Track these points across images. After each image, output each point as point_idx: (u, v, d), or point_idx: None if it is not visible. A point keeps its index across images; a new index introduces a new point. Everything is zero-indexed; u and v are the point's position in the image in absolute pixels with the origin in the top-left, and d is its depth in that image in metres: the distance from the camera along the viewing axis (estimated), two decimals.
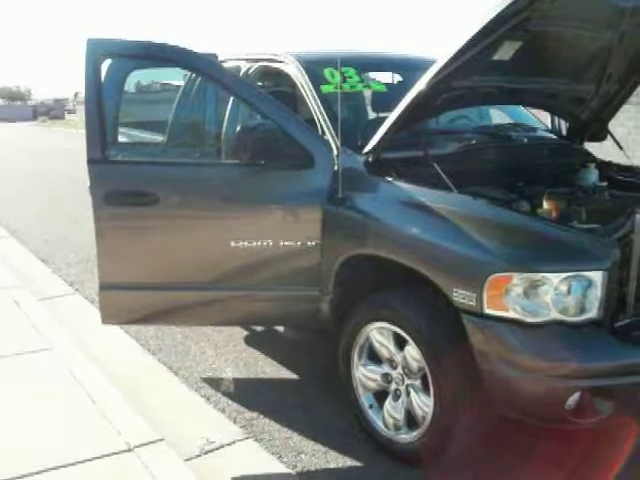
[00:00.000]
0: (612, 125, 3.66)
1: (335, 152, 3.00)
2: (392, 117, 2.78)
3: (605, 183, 3.19)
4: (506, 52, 2.87)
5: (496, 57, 2.85)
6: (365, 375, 2.94)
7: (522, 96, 3.23)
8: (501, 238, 2.44)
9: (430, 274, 2.55)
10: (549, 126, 3.88)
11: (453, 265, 2.48)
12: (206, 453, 2.93)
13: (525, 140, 3.29)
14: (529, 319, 2.34)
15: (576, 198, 2.75)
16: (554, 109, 3.55)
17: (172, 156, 3.58)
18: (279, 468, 2.84)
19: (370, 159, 2.91)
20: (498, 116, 3.85)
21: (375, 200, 2.84)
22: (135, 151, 3.72)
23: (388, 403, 2.86)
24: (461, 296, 2.44)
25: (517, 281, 2.33)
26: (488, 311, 2.38)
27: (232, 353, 3.92)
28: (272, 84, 3.90)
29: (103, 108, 3.06)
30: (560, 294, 2.34)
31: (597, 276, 2.34)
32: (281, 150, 2.93)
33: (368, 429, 2.93)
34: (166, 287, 3.10)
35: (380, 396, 2.92)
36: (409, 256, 2.63)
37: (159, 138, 4.02)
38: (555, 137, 3.67)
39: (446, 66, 2.62)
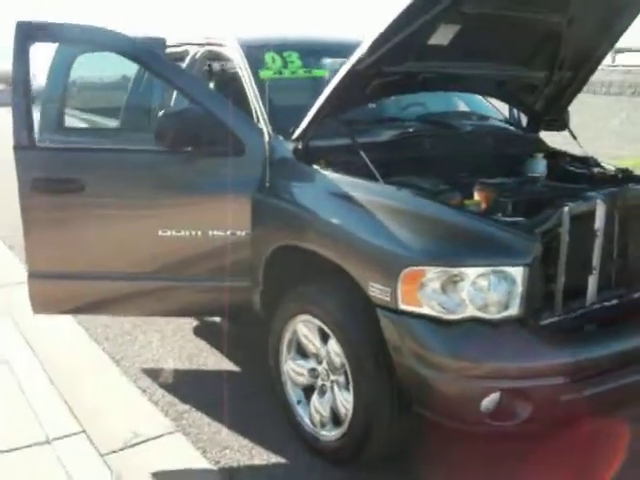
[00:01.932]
0: (605, 116, 3.54)
1: (267, 139, 2.90)
2: (317, 103, 2.67)
3: (542, 174, 3.07)
4: (443, 36, 2.75)
5: (432, 41, 2.73)
6: (294, 370, 2.85)
7: (465, 83, 3.10)
8: (419, 230, 2.34)
9: (348, 267, 2.45)
10: (507, 116, 3.76)
11: (369, 258, 2.38)
12: (130, 447, 2.86)
13: (469, 128, 3.17)
14: (444, 316, 2.24)
15: (508, 189, 2.63)
16: (504, 97, 3.42)
17: (119, 142, 3.49)
18: (201, 464, 2.76)
19: (299, 146, 2.81)
20: (455, 105, 3.73)
21: (299, 189, 2.74)
22: (78, 136, 3.63)
23: (315, 399, 2.77)
24: (376, 290, 2.34)
25: (432, 275, 2.23)
26: (403, 307, 2.28)
27: (178, 343, 3.84)
28: (216, 69, 3.79)
29: (29, 93, 2.95)
30: (477, 290, 2.23)
31: (517, 272, 2.24)
32: (209, 137, 2.82)
33: (295, 425, 2.85)
34: (96, 276, 3.02)
35: (309, 392, 2.84)
36: (328, 248, 2.53)
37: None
38: (507, 126, 3.54)
39: (371, 50, 2.51)
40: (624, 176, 3.08)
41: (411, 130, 3.01)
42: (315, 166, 2.73)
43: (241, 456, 2.81)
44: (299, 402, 2.86)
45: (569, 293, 2.45)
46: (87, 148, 3.06)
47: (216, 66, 3.62)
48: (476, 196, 2.62)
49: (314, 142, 2.82)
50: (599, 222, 2.48)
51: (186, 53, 3.70)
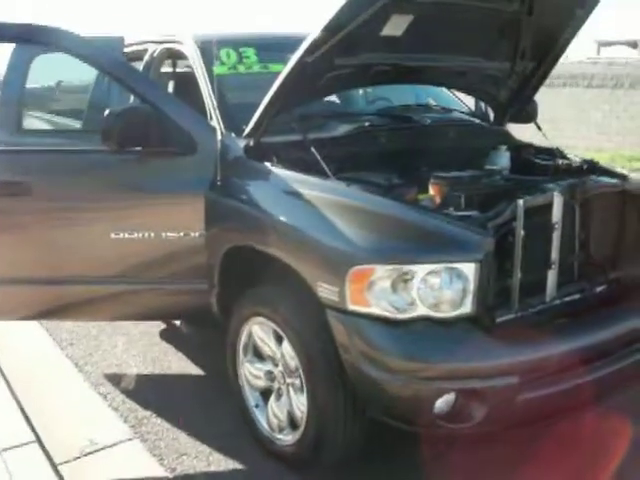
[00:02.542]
0: (587, 109, 3.47)
1: (220, 137, 2.82)
2: (266, 98, 2.59)
3: (504, 166, 3.00)
4: (396, 27, 2.67)
5: (385, 32, 2.65)
6: (251, 372, 2.77)
7: (424, 75, 3.02)
8: (367, 227, 2.26)
9: (297, 266, 2.37)
10: (474, 109, 3.69)
11: (317, 257, 2.30)
12: (85, 455, 2.79)
13: (428, 122, 3.09)
14: (394, 315, 2.16)
15: (463, 183, 2.55)
16: (466, 89, 3.34)
17: (76, 143, 3.40)
18: (157, 471, 2.68)
19: (251, 143, 2.73)
20: (420, 98, 3.64)
21: (249, 187, 2.66)
22: (37, 138, 3.53)
23: (272, 402, 2.70)
24: (325, 291, 2.26)
25: (380, 274, 2.15)
26: (351, 307, 2.20)
27: (143, 347, 3.76)
28: (173, 66, 3.71)
29: None
30: (428, 288, 2.16)
31: (468, 268, 2.16)
32: (159, 135, 2.74)
33: (253, 429, 2.77)
34: (49, 282, 2.93)
35: (267, 395, 2.77)
36: (277, 247, 2.45)
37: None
38: (470, 119, 3.47)
39: (318, 42, 2.43)
40: (589, 167, 3.01)
41: (367, 124, 2.92)
42: (266, 163, 2.65)
43: (198, 462, 2.73)
44: (257, 406, 2.78)
45: (528, 289, 2.38)
46: (33, 150, 2.97)
47: (172, 64, 3.54)
48: (431, 190, 2.54)
49: (267, 139, 2.74)
50: (557, 215, 2.41)
51: (145, 51, 3.62)
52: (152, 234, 2.83)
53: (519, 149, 3.26)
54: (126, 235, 2.83)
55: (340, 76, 2.75)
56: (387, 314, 2.16)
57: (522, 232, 2.29)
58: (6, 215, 2.88)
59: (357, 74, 2.82)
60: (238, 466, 2.71)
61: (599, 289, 2.63)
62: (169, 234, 2.82)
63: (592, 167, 3.01)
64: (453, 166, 2.83)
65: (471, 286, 2.16)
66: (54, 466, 2.68)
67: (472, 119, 3.47)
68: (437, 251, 2.17)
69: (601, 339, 2.36)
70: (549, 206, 2.40)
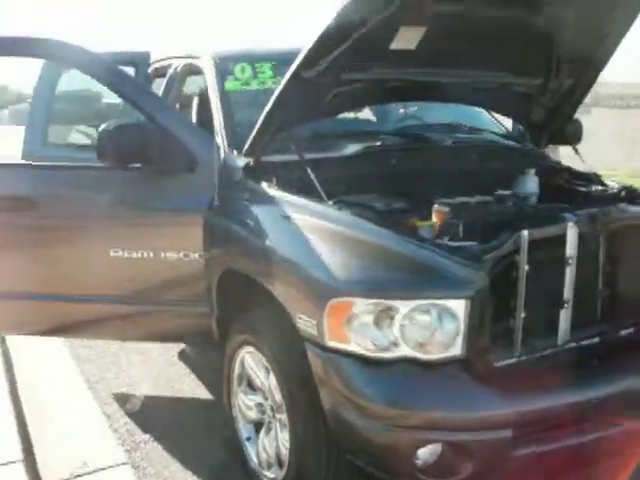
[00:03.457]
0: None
1: (222, 155, 2.72)
2: (262, 115, 2.46)
3: (532, 191, 2.74)
4: (407, 40, 2.48)
5: (395, 45, 2.47)
6: (245, 403, 2.62)
7: (443, 91, 2.80)
8: (352, 257, 2.08)
9: (279, 295, 2.22)
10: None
11: (298, 286, 2.14)
12: (75, 477, 2.72)
13: (448, 142, 2.87)
14: (374, 354, 1.97)
15: (468, 209, 2.32)
16: (493, 107, 3.10)
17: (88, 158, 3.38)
18: None
19: (251, 162, 2.60)
20: (453, 118, 3.41)
21: (243, 208, 2.52)
22: (61, 152, 3.55)
23: (262, 436, 2.54)
24: (304, 323, 2.10)
25: (359, 308, 1.96)
26: (330, 342, 2.02)
27: (159, 368, 3.69)
28: (191, 82, 3.65)
29: None
30: (412, 326, 1.95)
31: (458, 305, 1.94)
32: (159, 152, 2.66)
33: (243, 462, 2.62)
34: (49, 298, 2.90)
35: (259, 428, 2.61)
36: (263, 273, 2.31)
37: None
38: (500, 140, 3.21)
39: (315, 56, 2.28)
40: (627, 195, 2.71)
41: (378, 144, 2.74)
42: (263, 184, 2.52)
43: None
44: (249, 439, 2.63)
45: (536, 330, 2.14)
46: (38, 165, 2.95)
47: (191, 79, 3.48)
48: (434, 218, 2.33)
49: (268, 157, 2.61)
50: (570, 248, 2.15)
51: (168, 67, 3.59)
52: (151, 254, 2.75)
53: (552, 173, 3.00)
54: (125, 254, 2.77)
55: (350, 92, 2.59)
56: (367, 353, 1.97)
57: (526, 267, 2.05)
58: (10, 229, 2.87)
59: (370, 90, 2.64)
60: None
61: (626, 332, 2.34)
62: (168, 254, 2.73)
63: (631, 194, 2.71)
64: (471, 191, 2.61)
65: (461, 325, 1.95)
66: None
67: (503, 141, 3.21)
68: (423, 286, 1.96)
69: (613, 391, 2.08)
70: (562, 238, 2.15)
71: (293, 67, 2.31)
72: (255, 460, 2.57)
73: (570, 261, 2.15)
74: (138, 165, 2.68)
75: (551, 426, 2.00)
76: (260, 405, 2.53)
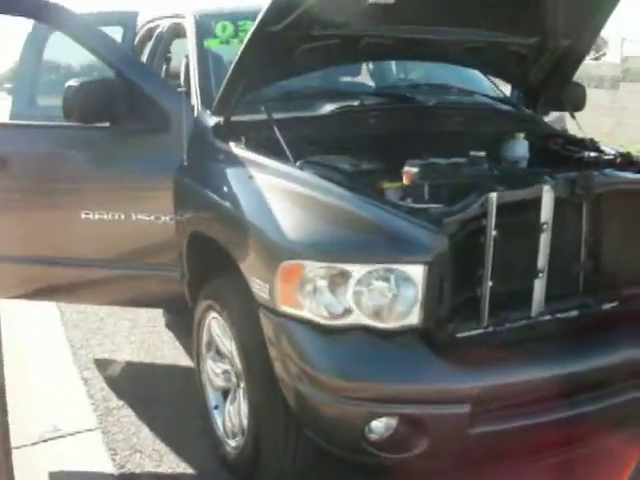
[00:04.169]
0: None
1: (196, 114, 2.61)
2: (229, 71, 2.34)
3: (521, 156, 2.58)
4: None
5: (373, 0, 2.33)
6: (213, 370, 2.55)
7: (427, 50, 2.64)
8: (308, 219, 1.97)
9: (237, 258, 2.13)
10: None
11: (254, 249, 2.04)
12: (44, 441, 2.69)
13: (432, 102, 2.71)
14: (327, 322, 1.86)
15: (437, 171, 2.17)
16: (484, 67, 2.92)
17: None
18: (104, 467, 2.53)
19: (221, 121, 2.49)
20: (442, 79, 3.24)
21: (208, 168, 2.42)
22: (42, 112, 3.47)
23: (228, 405, 2.47)
24: (259, 287, 2.00)
25: (311, 272, 1.86)
26: (282, 307, 1.92)
27: (144, 334, 3.64)
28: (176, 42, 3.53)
29: None
30: (365, 292, 1.84)
31: (415, 271, 1.82)
32: (130, 110, 2.57)
33: (211, 431, 2.55)
34: (20, 260, 2.85)
35: (226, 396, 2.54)
36: (223, 235, 2.22)
37: None
38: (490, 102, 3.03)
39: (281, 8, 2.15)
40: (622, 161, 2.54)
41: (353, 104, 2.60)
42: (230, 143, 2.41)
43: (149, 462, 2.55)
44: (216, 407, 2.55)
45: (507, 301, 2.01)
46: (11, 124, 2.88)
47: (176, 39, 3.37)
48: (404, 179, 2.19)
49: (239, 117, 2.50)
50: (545, 213, 2.01)
51: (156, 28, 3.49)
52: (122, 216, 2.67)
53: (545, 139, 2.83)
54: (96, 216, 2.69)
55: (322, 49, 2.45)
56: (319, 319, 1.86)
57: (494, 232, 1.92)
58: None
59: (343, 47, 2.50)
60: (188, 470, 2.50)
61: (608, 306, 2.19)
62: (139, 217, 2.65)
63: (627, 161, 2.54)
64: (454, 155, 2.47)
65: (419, 293, 1.83)
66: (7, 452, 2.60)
67: (495, 104, 3.04)
68: (378, 250, 1.85)
69: (587, 368, 1.94)
70: (537, 203, 2.00)
71: (258, 19, 2.18)
72: (221, 429, 2.50)
73: (545, 227, 2.01)
74: (107, 124, 2.60)
75: (515, 404, 1.88)
76: (226, 372, 2.45)
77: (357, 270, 1.82)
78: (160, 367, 3.31)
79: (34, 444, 2.67)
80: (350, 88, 3.07)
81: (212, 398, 2.58)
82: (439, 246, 1.81)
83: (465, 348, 1.90)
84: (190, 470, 2.50)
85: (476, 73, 3.30)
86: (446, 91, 3.01)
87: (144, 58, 3.51)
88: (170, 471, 2.50)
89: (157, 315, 3.84)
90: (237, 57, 2.28)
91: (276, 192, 2.10)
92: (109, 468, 2.52)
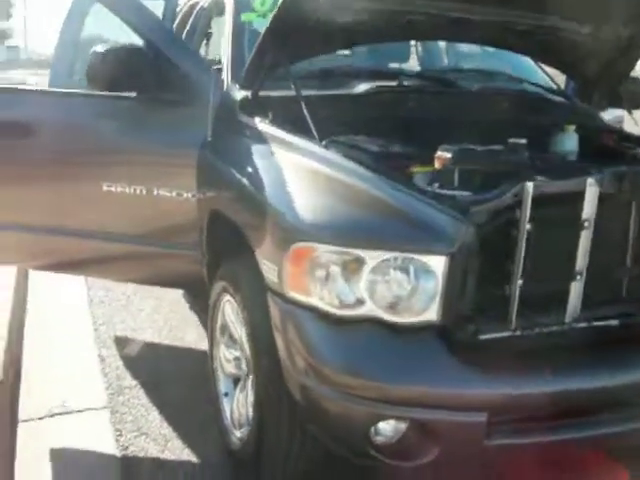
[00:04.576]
0: None
1: (225, 89, 2.50)
2: (256, 43, 2.22)
3: (570, 150, 2.37)
4: None
5: None
6: (225, 356, 2.43)
7: (473, 30, 2.44)
8: (326, 200, 1.82)
9: (250, 238, 2.00)
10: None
11: (267, 229, 1.90)
12: (51, 416, 2.63)
13: (475, 87, 2.52)
14: (337, 311, 1.72)
15: (474, 157, 1.99)
16: (531, 53, 2.71)
17: None
18: (106, 447, 2.45)
19: (249, 96, 2.37)
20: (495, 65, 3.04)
21: (233, 145, 2.30)
22: (80, 84, 3.42)
23: (237, 393, 2.35)
24: (268, 270, 1.87)
25: (323, 256, 1.72)
26: (290, 293, 1.79)
27: (168, 314, 3.56)
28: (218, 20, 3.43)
29: None
30: (380, 282, 1.69)
31: (436, 262, 1.66)
32: (157, 80, 2.47)
33: (218, 419, 2.43)
34: (41, 230, 2.79)
35: (237, 384, 2.42)
36: (240, 214, 2.10)
37: None
38: (541, 92, 2.81)
39: None
40: None
41: (391, 84, 2.44)
42: (256, 119, 2.29)
43: (154, 446, 2.47)
44: (226, 394, 2.44)
45: (541, 303, 1.83)
46: (36, 90, 2.83)
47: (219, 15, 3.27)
48: (436, 164, 2.02)
49: (269, 92, 2.37)
50: (588, 209, 1.81)
51: (198, 3, 3.41)
52: (144, 190, 2.58)
53: (599, 133, 2.61)
54: (118, 189, 2.61)
55: (360, 24, 2.30)
56: (329, 308, 1.72)
57: (528, 225, 1.74)
58: (7, 155, 2.77)
59: (383, 23, 2.34)
60: (192, 458, 2.40)
61: None
62: (161, 192, 2.56)
63: None
64: (494, 142, 2.28)
65: (439, 286, 1.67)
66: (14, 424, 2.56)
67: (546, 94, 2.82)
68: (396, 236, 1.69)
69: (621, 384, 1.74)
70: (580, 197, 1.81)
71: None
72: (228, 418, 2.39)
73: (587, 225, 1.81)
74: (133, 94, 2.51)
75: (539, 417, 1.70)
76: (237, 359, 2.34)
77: (372, 257, 1.67)
78: (179, 349, 3.22)
79: (41, 418, 2.62)
80: (389, 69, 2.90)
81: (223, 385, 2.46)
82: (464, 236, 1.64)
83: (487, 351, 1.73)
84: (194, 458, 2.40)
85: (530, 63, 3.10)
86: (493, 77, 2.81)
87: (185, 34, 3.44)
88: (173, 458, 2.40)
89: (182, 296, 3.77)
90: (266, 27, 2.15)
91: (296, 171, 1.97)
92: (112, 449, 2.44)
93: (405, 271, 1.67)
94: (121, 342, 3.25)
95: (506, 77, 2.83)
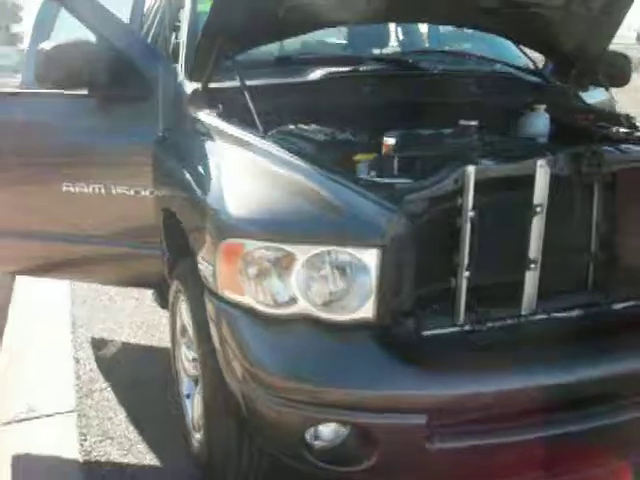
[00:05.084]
0: None
1: (178, 81, 2.42)
2: (200, 31, 2.13)
3: (540, 130, 2.24)
4: None
5: None
6: (186, 356, 2.36)
7: (429, 10, 2.32)
8: (258, 193, 1.72)
9: (189, 236, 1.92)
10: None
11: (203, 226, 1.81)
12: (18, 422, 2.59)
13: (438, 69, 2.39)
14: (268, 310, 1.63)
15: (418, 142, 1.88)
16: (503, 32, 2.56)
17: None
18: (70, 452, 2.39)
19: (199, 88, 2.28)
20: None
21: (180, 139, 2.22)
22: None
23: (197, 395, 2.28)
24: (205, 269, 1.79)
25: (252, 253, 1.63)
26: (222, 291, 1.70)
27: (148, 315, 3.50)
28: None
29: None
30: (312, 278, 1.59)
31: (368, 256, 1.56)
32: (109, 76, 2.39)
33: (182, 422, 2.37)
34: (9, 234, 2.73)
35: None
36: (182, 212, 2.02)
37: None
38: (513, 72, 2.66)
39: None
40: None
41: (344, 70, 2.32)
42: (205, 111, 2.19)
43: (117, 450, 2.41)
44: (188, 396, 2.37)
45: (491, 295, 1.72)
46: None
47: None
48: (383, 151, 1.91)
49: (220, 83, 2.28)
50: (539, 193, 1.70)
51: None
52: (102, 189, 2.52)
53: (573, 113, 2.47)
54: (77, 188, 2.55)
55: (311, 6, 2.19)
56: (260, 307, 1.64)
57: (471, 213, 1.63)
58: None
59: (337, 6, 2.22)
60: (155, 462, 2.34)
61: (620, 306, 1.86)
62: (119, 190, 2.49)
63: None
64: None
65: (373, 281, 1.57)
66: None
67: (520, 74, 2.68)
68: (326, 229, 1.59)
69: (582, 379, 1.62)
70: (531, 180, 1.70)
71: None
72: (189, 419, 2.31)
73: (538, 210, 1.71)
74: (85, 91, 2.44)
75: (490, 418, 1.59)
76: (195, 360, 2.27)
77: (302, 252, 1.58)
78: (155, 350, 3.16)
79: (6, 424, 2.58)
80: (348, 55, 2.78)
81: (185, 386, 2.39)
82: (396, 227, 1.54)
83: (431, 348, 1.64)
84: (156, 462, 2.34)
85: (509, 45, 2.95)
86: (461, 58, 2.69)
87: (155, 26, 3.36)
88: (135, 462, 2.34)
89: None
90: (210, 11, 2.05)
91: (234, 165, 1.88)
92: (75, 454, 2.39)
93: (337, 266, 1.58)
94: (98, 344, 3.20)
95: (476, 58, 2.69)
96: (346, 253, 1.56)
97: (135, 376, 2.89)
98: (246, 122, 2.05)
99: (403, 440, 1.55)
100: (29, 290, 3.81)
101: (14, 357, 3.09)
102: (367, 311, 1.58)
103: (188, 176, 1.98)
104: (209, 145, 2.01)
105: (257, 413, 1.66)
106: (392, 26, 3.30)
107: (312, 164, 1.72)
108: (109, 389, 2.79)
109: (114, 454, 2.39)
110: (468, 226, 1.63)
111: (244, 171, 1.83)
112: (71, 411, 2.65)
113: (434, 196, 1.61)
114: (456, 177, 1.60)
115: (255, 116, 2.00)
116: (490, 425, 1.57)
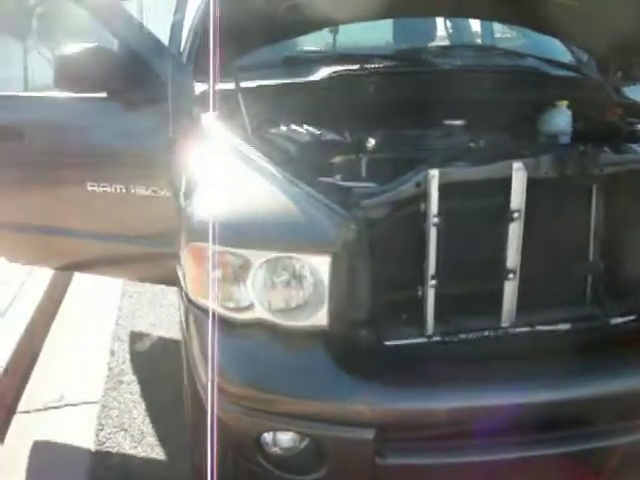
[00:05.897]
0: None
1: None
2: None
3: (562, 127, 2.07)
4: None
5: None
6: None
7: (451, 4, 2.19)
8: (227, 197, 1.70)
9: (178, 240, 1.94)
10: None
11: (181, 230, 1.83)
12: (45, 409, 2.74)
13: (447, 67, 2.27)
14: (230, 314, 1.61)
15: (395, 142, 1.78)
16: (524, 23, 2.39)
17: None
18: (85, 441, 2.49)
19: (203, 89, 2.29)
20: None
21: (183, 139, 2.23)
22: None
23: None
24: (181, 273, 1.80)
25: (214, 256, 1.62)
26: (193, 295, 1.70)
27: None
28: None
29: None
30: (266, 283, 1.56)
31: (320, 263, 1.51)
32: (127, 79, 2.46)
33: None
34: (30, 229, 2.89)
35: None
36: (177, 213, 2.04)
37: None
38: (539, 67, 2.48)
39: None
40: None
41: (350, 68, 2.25)
42: (207, 113, 2.20)
43: (129, 442, 2.48)
44: None
45: (470, 306, 1.63)
46: (28, 95, 2.91)
47: None
48: (356, 152, 1.83)
49: (221, 84, 2.28)
50: (517, 198, 1.58)
51: None
52: (123, 188, 2.60)
53: (603, 108, 2.28)
54: (100, 188, 2.65)
55: (305, 6, 2.15)
56: (223, 311, 1.62)
57: (436, 219, 1.54)
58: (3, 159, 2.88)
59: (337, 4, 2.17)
60: (161, 456, 2.40)
61: (619, 321, 1.70)
62: (137, 190, 2.57)
63: None
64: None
65: (325, 289, 1.51)
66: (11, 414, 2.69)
67: (551, 68, 2.49)
68: (279, 235, 1.55)
69: (556, 399, 1.50)
70: (507, 184, 1.58)
71: None
72: None
73: (516, 216, 1.59)
74: (104, 95, 2.52)
75: (451, 435, 1.51)
76: None
77: (256, 257, 1.55)
78: None
79: (37, 411, 2.73)
80: (361, 52, 2.70)
81: None
82: (347, 233, 1.48)
83: (392, 359, 1.57)
84: (162, 456, 2.39)
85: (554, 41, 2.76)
86: (484, 53, 2.54)
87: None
88: (143, 454, 2.41)
89: None
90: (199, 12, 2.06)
91: (215, 167, 1.87)
92: (89, 443, 2.49)
93: (290, 272, 1.54)
94: (135, 337, 3.32)
95: (501, 52, 2.54)
96: (299, 259, 1.52)
97: (163, 371, 2.96)
98: (238, 124, 2.05)
99: (352, 453, 1.50)
100: (84, 282, 4.01)
101: (58, 345, 3.26)
102: (321, 319, 1.53)
103: (180, 178, 2.01)
104: (199, 148, 2.02)
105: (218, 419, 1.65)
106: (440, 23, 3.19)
107: (279, 168, 1.69)
108: (135, 383, 2.89)
109: (126, 445, 2.46)
110: (434, 232, 1.55)
111: (221, 174, 1.82)
112: (96, 402, 2.76)
113: (396, 200, 1.54)
114: (418, 181, 1.52)
115: (245, 118, 1.99)
116: (446, 443, 1.49)
